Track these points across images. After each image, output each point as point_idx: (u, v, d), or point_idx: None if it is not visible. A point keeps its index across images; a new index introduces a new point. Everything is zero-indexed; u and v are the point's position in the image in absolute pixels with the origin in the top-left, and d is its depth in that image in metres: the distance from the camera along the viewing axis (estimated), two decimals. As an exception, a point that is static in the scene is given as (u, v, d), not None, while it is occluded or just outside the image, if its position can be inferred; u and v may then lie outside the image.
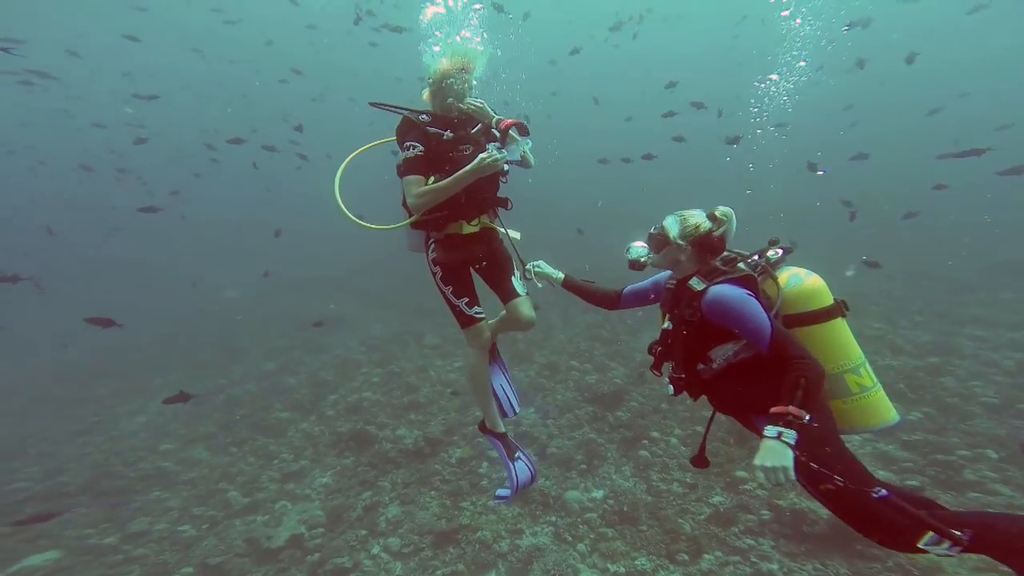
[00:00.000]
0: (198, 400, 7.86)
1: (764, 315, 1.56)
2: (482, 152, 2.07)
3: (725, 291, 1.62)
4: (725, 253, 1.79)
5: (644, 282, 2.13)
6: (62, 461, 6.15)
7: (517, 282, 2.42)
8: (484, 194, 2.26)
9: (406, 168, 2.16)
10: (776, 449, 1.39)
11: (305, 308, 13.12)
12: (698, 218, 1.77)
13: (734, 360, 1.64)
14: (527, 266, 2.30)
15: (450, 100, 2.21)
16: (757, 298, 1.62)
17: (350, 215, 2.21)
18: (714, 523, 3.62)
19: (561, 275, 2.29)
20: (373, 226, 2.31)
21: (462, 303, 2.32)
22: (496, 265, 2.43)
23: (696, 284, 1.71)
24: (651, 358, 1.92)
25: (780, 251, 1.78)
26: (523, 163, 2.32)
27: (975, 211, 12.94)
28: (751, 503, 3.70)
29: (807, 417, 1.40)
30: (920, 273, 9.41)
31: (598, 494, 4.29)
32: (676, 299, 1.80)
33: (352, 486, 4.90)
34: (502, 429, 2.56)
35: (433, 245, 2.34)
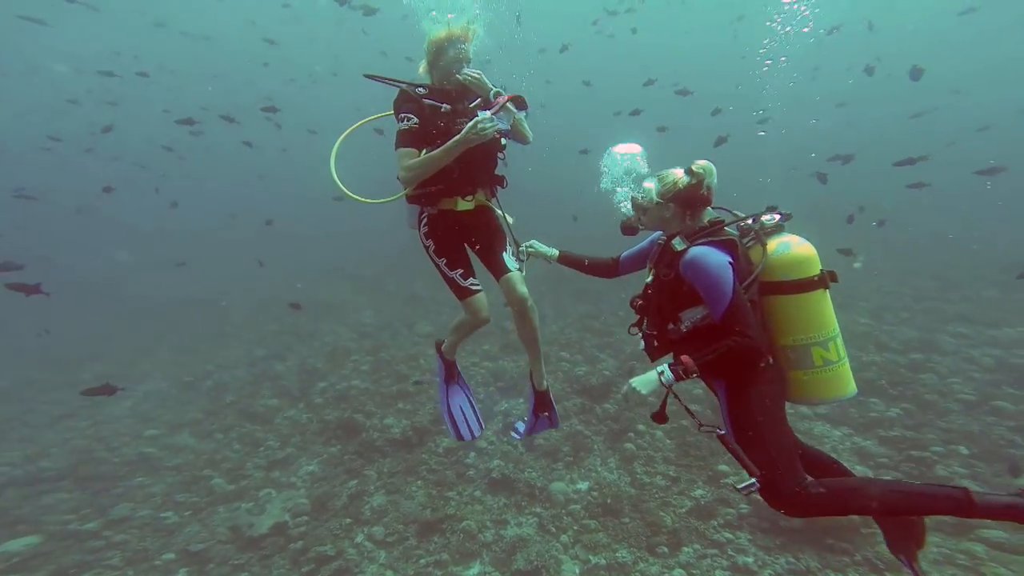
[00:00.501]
0: (187, 385, 7.85)
1: (730, 286, 1.58)
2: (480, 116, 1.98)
3: (703, 254, 1.63)
4: (715, 215, 1.78)
5: (640, 244, 2.10)
6: (44, 446, 6.08)
7: (509, 258, 2.34)
8: (480, 170, 2.20)
9: (399, 140, 2.11)
10: (648, 379, 1.65)
11: (298, 293, 13.01)
12: (675, 175, 1.76)
13: (700, 324, 1.67)
14: (520, 247, 2.27)
15: (447, 68, 2.13)
16: (736, 263, 1.63)
17: (345, 190, 2.18)
18: (694, 516, 3.66)
19: (555, 251, 2.26)
20: (367, 200, 2.27)
21: (456, 274, 2.27)
22: (489, 242, 2.36)
23: (677, 244, 1.73)
24: (642, 353, 1.92)
25: (777, 216, 1.76)
26: (518, 136, 2.24)
27: (964, 209, 13.06)
28: (731, 497, 3.75)
29: (695, 373, 1.62)
30: (908, 270, 9.50)
31: (583, 486, 4.32)
32: (660, 256, 1.83)
33: (338, 474, 4.90)
34: (453, 357, 2.67)
35: (426, 219, 2.29)
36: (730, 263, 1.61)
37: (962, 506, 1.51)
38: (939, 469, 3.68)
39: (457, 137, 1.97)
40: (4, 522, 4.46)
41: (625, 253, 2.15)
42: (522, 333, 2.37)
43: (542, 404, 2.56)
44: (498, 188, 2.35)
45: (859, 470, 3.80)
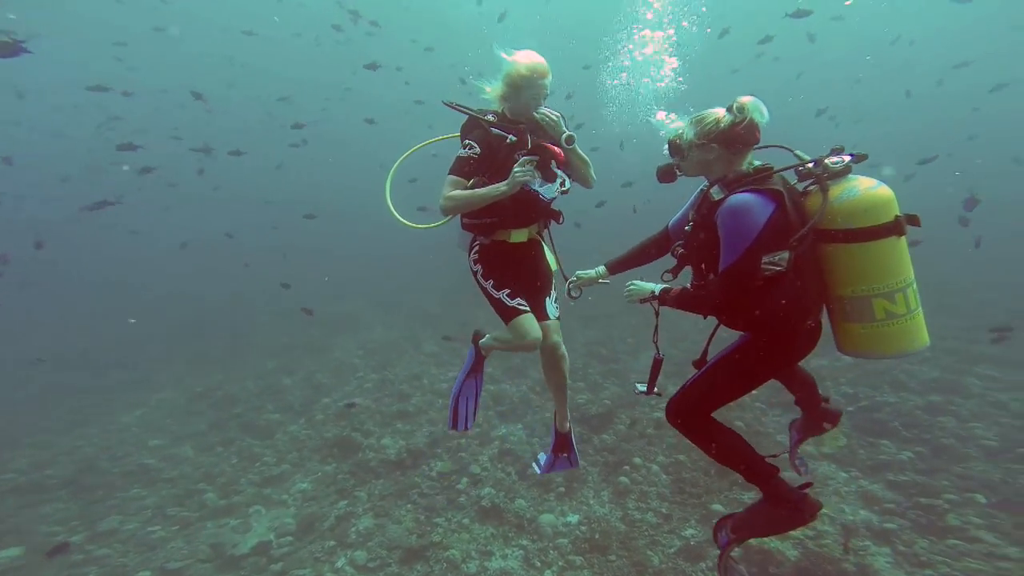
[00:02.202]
0: (197, 396, 8.06)
1: (749, 243, 1.49)
2: (517, 168, 1.97)
3: (741, 202, 1.50)
4: (760, 163, 1.64)
5: (685, 205, 1.93)
6: (54, 453, 6.27)
7: (552, 305, 2.35)
8: (534, 204, 2.14)
9: (454, 165, 2.10)
10: (644, 287, 1.81)
11: (317, 306, 13.34)
12: (716, 113, 1.62)
13: None
14: (568, 283, 2.18)
15: (524, 104, 2.08)
16: (782, 215, 1.50)
17: (397, 215, 2.25)
18: (682, 557, 3.48)
19: (601, 268, 2.15)
20: (417, 225, 2.29)
21: (503, 294, 2.21)
22: (536, 281, 2.34)
23: (716, 193, 1.62)
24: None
25: (847, 158, 1.57)
26: (580, 178, 2.22)
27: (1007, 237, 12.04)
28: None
29: (668, 304, 1.75)
30: (938, 306, 9.01)
31: (573, 519, 4.17)
32: (699, 205, 1.73)
33: (329, 494, 4.88)
34: (486, 356, 2.58)
35: (478, 247, 2.30)
36: (771, 217, 1.48)
37: (767, 481, 1.72)
38: (951, 518, 3.41)
39: (498, 185, 2.00)
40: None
41: (672, 220, 1.98)
42: (551, 379, 2.43)
43: (562, 445, 2.60)
44: (551, 223, 2.35)
45: (863, 515, 3.57)
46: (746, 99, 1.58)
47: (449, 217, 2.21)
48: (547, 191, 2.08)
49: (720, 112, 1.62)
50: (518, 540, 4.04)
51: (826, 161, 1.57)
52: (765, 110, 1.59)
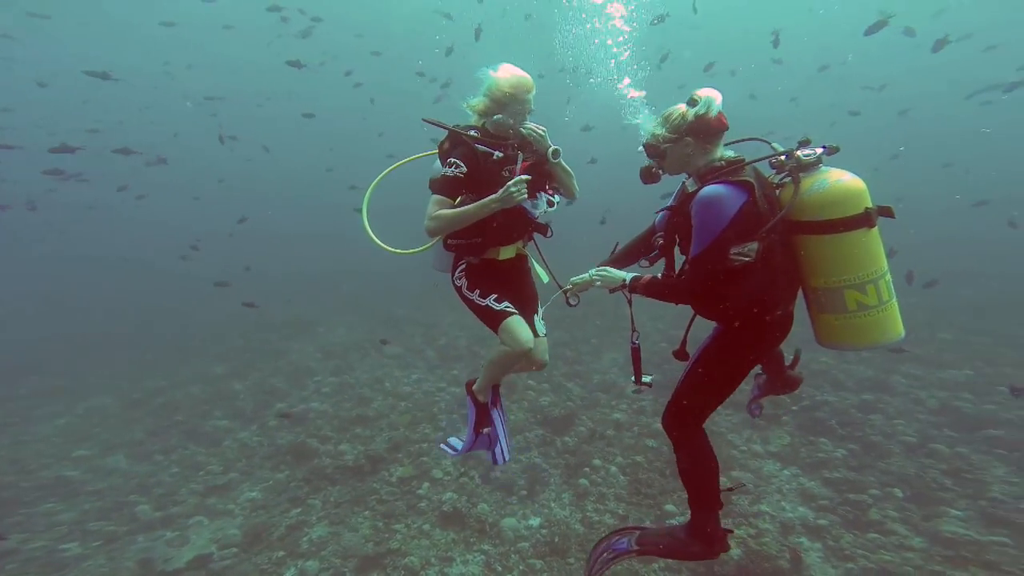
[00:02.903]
0: (135, 402, 7.43)
1: (717, 233, 1.51)
2: (513, 180, 1.93)
3: (713, 192, 1.52)
4: (734, 154, 1.66)
5: (668, 201, 1.95)
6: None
7: (539, 322, 2.31)
8: (521, 218, 2.11)
9: (438, 185, 2.03)
10: (615, 276, 1.84)
11: (273, 308, 12.70)
12: (679, 109, 1.65)
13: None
14: (564, 290, 2.09)
15: (507, 120, 2.04)
16: (753, 207, 1.51)
17: (375, 238, 2.13)
18: (636, 559, 3.56)
19: (595, 271, 2.13)
20: (398, 250, 2.16)
21: (490, 299, 2.13)
22: (522, 296, 2.30)
23: (690, 185, 1.67)
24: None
25: (818, 151, 1.57)
26: (564, 190, 2.20)
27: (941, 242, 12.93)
28: None
29: (638, 292, 1.78)
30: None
31: (535, 522, 4.18)
32: (678, 194, 1.77)
33: (280, 503, 4.63)
34: (485, 400, 2.41)
35: (464, 266, 2.22)
36: (741, 208, 1.50)
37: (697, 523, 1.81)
38: (873, 513, 3.68)
39: (489, 199, 1.93)
40: None
41: (659, 215, 1.99)
42: (521, 368, 2.38)
43: (483, 419, 2.49)
44: (538, 236, 2.30)
45: (801, 512, 3.80)
46: (703, 91, 1.63)
47: (434, 240, 2.12)
48: (535, 208, 2.08)
49: (682, 107, 1.65)
50: (479, 545, 4.00)
51: (797, 153, 1.58)
52: (720, 98, 1.62)
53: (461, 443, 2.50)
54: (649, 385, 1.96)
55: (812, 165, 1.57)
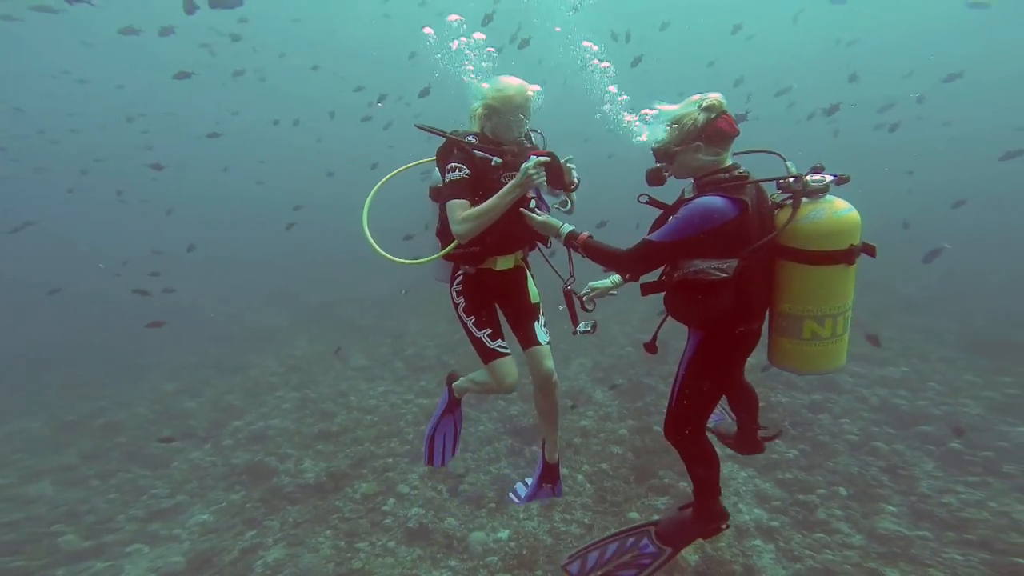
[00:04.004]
0: (68, 425, 6.80)
1: (687, 234, 1.56)
2: (531, 161, 1.92)
3: (708, 202, 1.54)
4: (744, 169, 1.65)
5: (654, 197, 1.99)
6: None
7: (541, 329, 2.28)
8: (520, 227, 2.08)
9: (450, 191, 1.96)
10: (553, 224, 1.96)
11: (231, 320, 12.07)
12: (690, 113, 1.64)
13: (691, 277, 1.60)
14: (582, 294, 2.09)
15: (506, 126, 2.02)
16: (742, 222, 1.53)
17: (378, 248, 2.07)
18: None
19: (617, 276, 2.10)
20: (406, 261, 2.10)
21: (484, 335, 2.16)
22: (521, 307, 2.29)
23: (687, 192, 1.72)
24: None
25: (828, 179, 1.55)
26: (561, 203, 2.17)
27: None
28: None
29: (575, 248, 1.87)
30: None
31: (503, 534, 4.13)
32: (677, 200, 1.78)
33: (234, 525, 4.36)
34: (460, 398, 2.62)
35: (461, 277, 2.21)
36: (726, 223, 1.52)
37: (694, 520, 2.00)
38: (820, 512, 3.83)
39: (509, 185, 1.91)
40: None
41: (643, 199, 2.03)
42: (542, 407, 2.37)
43: (549, 475, 2.56)
44: (540, 246, 2.28)
45: (756, 513, 3.94)
46: (714, 96, 1.64)
47: (444, 251, 2.07)
48: (553, 199, 2.09)
49: (692, 110, 1.65)
50: (446, 561, 3.91)
51: (806, 178, 1.56)
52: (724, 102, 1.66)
53: (523, 487, 2.67)
54: (591, 331, 2.09)
55: (818, 192, 1.55)
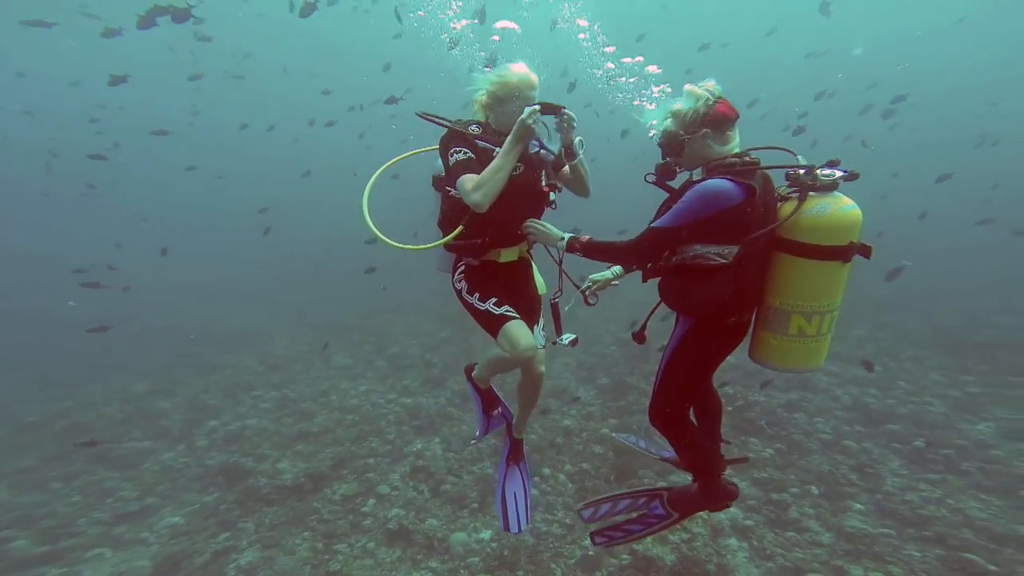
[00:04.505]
0: (28, 427, 6.48)
1: (692, 218, 1.54)
2: (533, 172, 1.93)
3: (715, 185, 1.51)
4: (756, 154, 1.64)
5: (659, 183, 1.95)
6: None
7: (539, 333, 2.26)
8: (526, 218, 2.05)
9: (458, 170, 1.90)
10: (553, 232, 1.93)
11: (208, 319, 11.72)
12: (690, 102, 1.64)
13: (690, 262, 1.58)
14: (583, 288, 2.08)
15: (511, 115, 1.93)
16: (749, 209, 1.51)
17: (379, 234, 1.97)
18: (582, 568, 3.62)
19: (617, 269, 2.10)
20: (404, 246, 2.03)
21: (490, 304, 2.04)
22: (524, 303, 2.22)
23: (696, 175, 1.70)
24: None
25: (838, 174, 1.53)
26: (576, 187, 2.14)
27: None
28: (616, 548, 3.76)
29: (577, 252, 1.85)
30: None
31: (485, 535, 4.12)
32: (683, 184, 1.75)
33: (207, 527, 4.24)
34: (486, 387, 2.49)
35: (463, 267, 2.16)
36: (731, 207, 1.50)
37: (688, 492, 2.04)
38: (792, 511, 3.93)
39: (507, 141, 1.85)
40: None
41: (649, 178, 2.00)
42: (525, 395, 2.35)
43: (516, 453, 2.61)
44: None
45: (732, 512, 4.00)
46: (709, 83, 1.66)
47: (445, 240, 2.02)
48: (551, 147, 1.98)
49: (691, 100, 1.65)
50: (427, 562, 3.87)
51: (817, 171, 1.54)
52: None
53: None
54: (569, 345, 2.12)
55: (826, 187, 1.53)
